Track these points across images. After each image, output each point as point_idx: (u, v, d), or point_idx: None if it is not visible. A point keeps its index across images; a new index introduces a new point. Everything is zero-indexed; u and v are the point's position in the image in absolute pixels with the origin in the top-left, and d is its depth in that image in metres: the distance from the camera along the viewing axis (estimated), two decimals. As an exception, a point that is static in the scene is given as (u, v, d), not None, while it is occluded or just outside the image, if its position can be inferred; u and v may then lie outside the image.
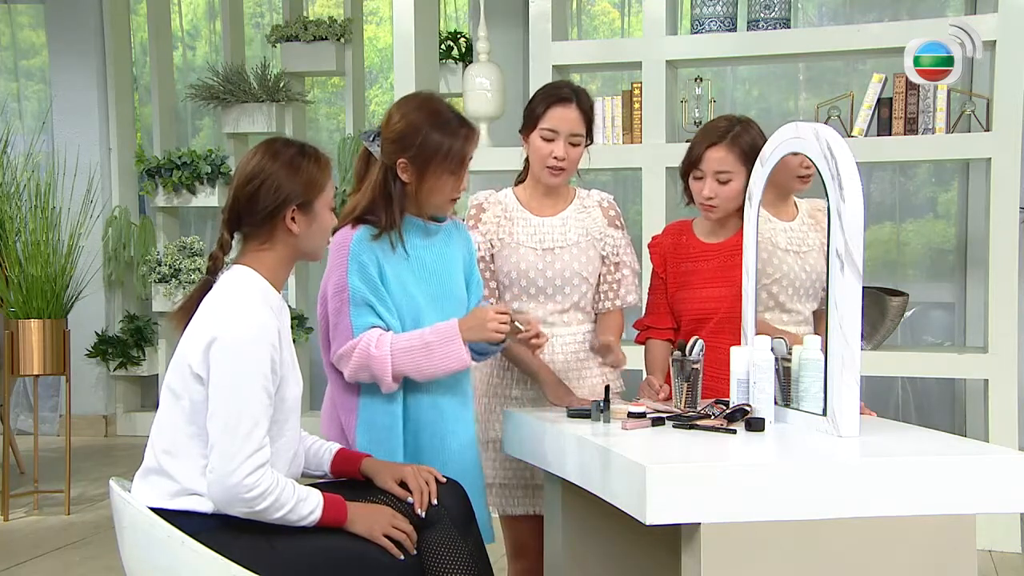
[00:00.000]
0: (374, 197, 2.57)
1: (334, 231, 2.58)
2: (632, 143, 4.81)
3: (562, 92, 2.87)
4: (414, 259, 2.60)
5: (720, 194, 2.82)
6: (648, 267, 3.02)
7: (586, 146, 2.89)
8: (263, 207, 2.25)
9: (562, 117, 2.82)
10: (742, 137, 2.82)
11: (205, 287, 2.30)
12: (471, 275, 2.74)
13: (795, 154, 2.57)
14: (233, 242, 2.32)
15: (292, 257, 2.32)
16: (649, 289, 3.02)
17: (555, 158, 2.82)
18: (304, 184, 2.27)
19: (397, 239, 2.57)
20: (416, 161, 2.54)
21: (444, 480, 2.41)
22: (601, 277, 2.95)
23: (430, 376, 2.53)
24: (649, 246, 3.05)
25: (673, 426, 2.43)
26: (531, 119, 2.86)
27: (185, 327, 2.26)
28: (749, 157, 2.76)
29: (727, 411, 2.46)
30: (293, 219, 2.27)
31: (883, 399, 5.65)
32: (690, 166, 2.87)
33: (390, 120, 2.59)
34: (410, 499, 2.35)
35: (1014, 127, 4.33)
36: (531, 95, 2.94)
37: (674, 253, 2.95)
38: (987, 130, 4.40)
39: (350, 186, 6.34)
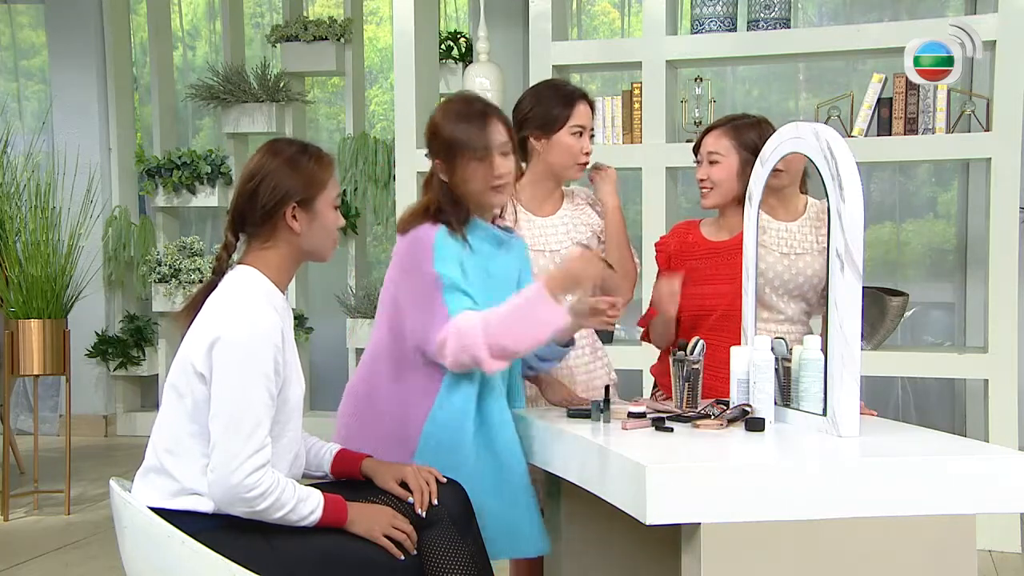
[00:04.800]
0: (427, 202, 2.58)
1: (404, 231, 2.56)
2: (632, 143, 4.81)
3: (576, 90, 2.92)
4: (480, 266, 2.58)
5: (710, 175, 2.87)
6: (650, 265, 3.03)
7: None
8: (263, 204, 2.25)
9: (585, 113, 2.87)
10: (742, 128, 2.87)
11: (210, 287, 2.30)
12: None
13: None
14: (238, 244, 2.33)
15: (296, 257, 2.32)
16: (654, 287, 3.05)
17: (586, 153, 2.87)
18: (304, 181, 2.27)
19: (464, 237, 2.55)
20: (446, 158, 2.56)
21: (444, 480, 2.41)
22: None
23: (529, 342, 2.44)
24: (656, 246, 3.10)
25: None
26: (553, 119, 2.85)
27: (189, 327, 2.26)
28: (744, 146, 2.82)
29: (727, 411, 2.46)
30: (294, 217, 2.27)
31: (883, 399, 5.65)
32: (695, 154, 2.96)
33: (427, 127, 2.63)
34: (410, 499, 2.34)
35: (1014, 127, 4.33)
36: (528, 96, 2.94)
37: (679, 253, 2.99)
38: (987, 130, 4.40)
39: (350, 186, 6.31)
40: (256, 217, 2.26)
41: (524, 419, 2.64)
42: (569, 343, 2.71)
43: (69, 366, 5.03)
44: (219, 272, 2.31)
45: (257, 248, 2.29)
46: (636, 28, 6.34)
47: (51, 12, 7.07)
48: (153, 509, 2.19)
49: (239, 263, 2.31)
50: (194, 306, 2.28)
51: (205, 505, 2.19)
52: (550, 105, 2.86)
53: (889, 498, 2.07)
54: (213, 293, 2.27)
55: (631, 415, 2.45)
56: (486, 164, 2.55)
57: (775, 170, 2.84)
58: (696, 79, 4.91)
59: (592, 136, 2.92)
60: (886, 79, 4.46)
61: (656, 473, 1.99)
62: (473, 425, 2.52)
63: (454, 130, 2.55)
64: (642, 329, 3.08)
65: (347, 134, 6.73)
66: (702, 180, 2.91)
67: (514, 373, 2.69)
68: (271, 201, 2.25)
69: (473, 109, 2.58)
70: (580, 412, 2.58)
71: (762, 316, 2.88)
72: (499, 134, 2.58)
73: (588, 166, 2.95)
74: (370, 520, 2.27)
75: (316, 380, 6.77)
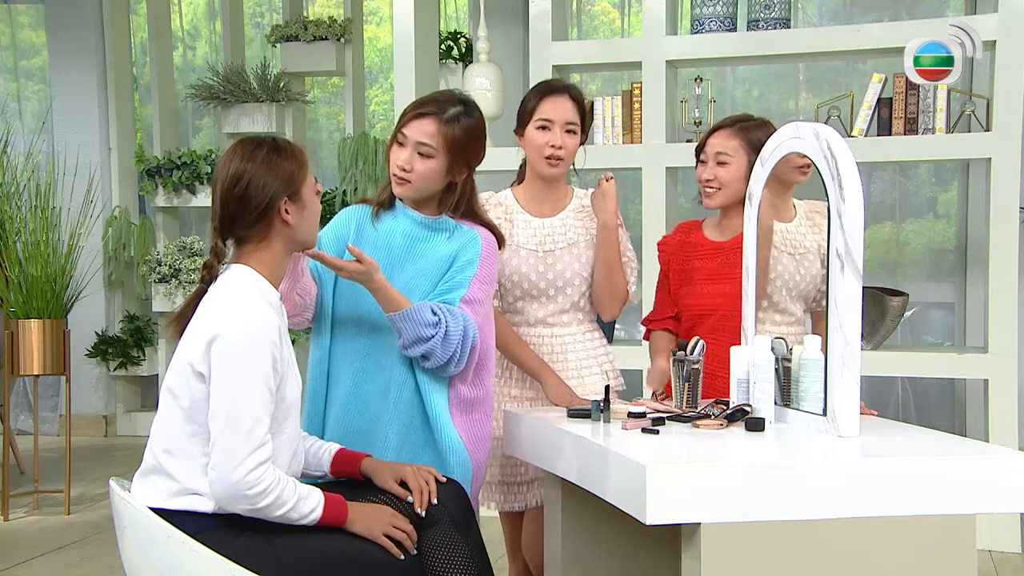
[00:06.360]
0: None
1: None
2: (632, 143, 4.81)
3: (553, 84, 2.93)
4: (383, 239, 2.64)
5: (717, 176, 2.87)
6: (650, 266, 3.03)
7: (582, 142, 2.90)
8: (256, 205, 2.25)
9: (555, 107, 2.84)
10: (750, 128, 2.88)
11: (199, 296, 2.29)
12: (450, 276, 2.61)
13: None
14: (228, 249, 2.33)
15: (289, 251, 2.33)
16: (656, 288, 3.05)
17: (552, 146, 2.83)
18: (288, 174, 2.28)
19: (374, 214, 2.68)
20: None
21: (444, 480, 2.42)
22: None
23: None
24: (658, 245, 3.11)
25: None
26: (525, 115, 2.88)
27: (182, 334, 2.26)
28: (753, 147, 2.81)
29: (727, 411, 2.46)
30: (287, 211, 2.28)
31: (883, 399, 5.65)
32: (698, 154, 2.95)
33: None
34: (410, 498, 2.35)
35: (1014, 127, 4.33)
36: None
37: (681, 251, 2.99)
38: (987, 130, 4.40)
39: (350, 186, 6.33)
40: (249, 219, 2.27)
41: (524, 419, 2.64)
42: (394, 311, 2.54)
43: (69, 366, 5.03)
44: (209, 281, 2.30)
45: (250, 250, 2.30)
46: (636, 28, 6.34)
47: (51, 12, 7.07)
48: (153, 509, 2.20)
49: (232, 263, 2.31)
50: (186, 314, 2.28)
51: (205, 505, 2.19)
52: (525, 101, 2.90)
53: (889, 498, 2.07)
54: (208, 294, 2.27)
55: (631, 415, 2.45)
56: (396, 144, 2.63)
57: (804, 167, 2.86)
58: (696, 79, 4.91)
59: (571, 131, 2.84)
60: (886, 79, 4.46)
61: (656, 473, 1.99)
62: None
63: None
64: (645, 329, 3.08)
65: (347, 134, 6.73)
66: (708, 180, 2.90)
67: (414, 362, 2.57)
68: (263, 200, 2.25)
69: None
70: (580, 412, 2.58)
71: (774, 319, 2.88)
72: (409, 117, 2.64)
73: (559, 164, 2.88)
74: (370, 519, 2.27)
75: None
